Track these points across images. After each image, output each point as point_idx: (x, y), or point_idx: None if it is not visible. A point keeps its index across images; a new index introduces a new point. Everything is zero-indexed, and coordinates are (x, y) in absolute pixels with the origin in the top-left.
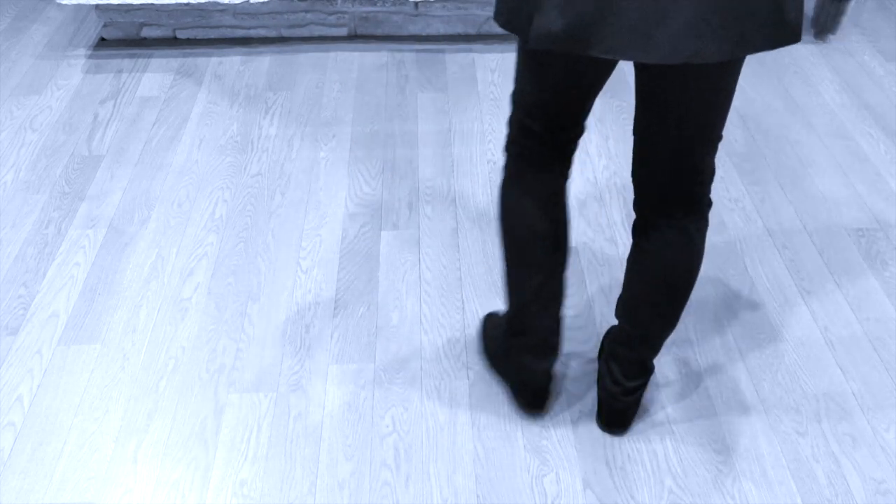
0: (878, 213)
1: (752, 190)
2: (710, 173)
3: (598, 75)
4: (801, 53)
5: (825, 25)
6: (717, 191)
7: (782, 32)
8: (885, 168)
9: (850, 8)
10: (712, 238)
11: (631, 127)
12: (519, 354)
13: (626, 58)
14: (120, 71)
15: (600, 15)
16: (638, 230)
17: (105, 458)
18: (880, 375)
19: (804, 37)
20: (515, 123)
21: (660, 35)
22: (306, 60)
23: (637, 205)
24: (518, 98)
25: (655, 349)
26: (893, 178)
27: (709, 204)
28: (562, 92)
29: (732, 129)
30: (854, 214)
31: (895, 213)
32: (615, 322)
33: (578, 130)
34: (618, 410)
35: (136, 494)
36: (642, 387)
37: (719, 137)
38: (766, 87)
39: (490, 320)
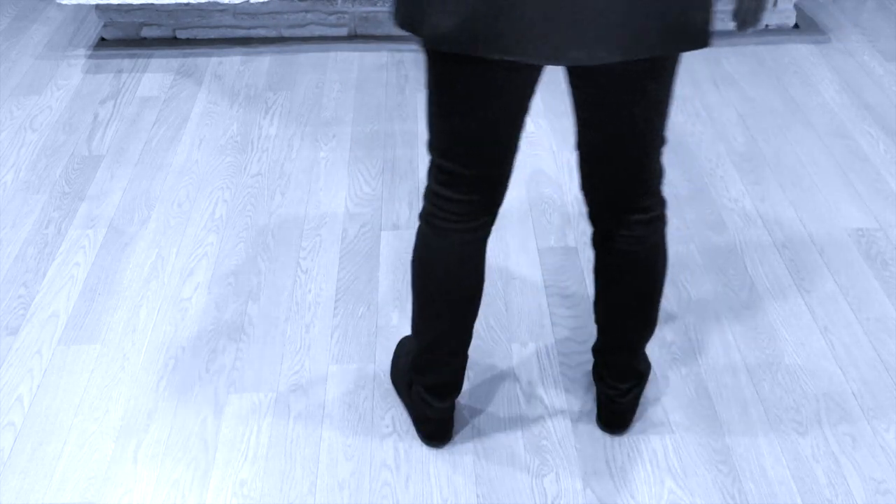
0: (878, 213)
1: (752, 190)
2: (656, 177)
3: (515, 91)
4: (801, 53)
5: (746, 18)
6: (717, 190)
7: (686, 36)
8: (885, 168)
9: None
10: (712, 238)
11: None
12: (420, 391)
13: (520, 58)
14: (120, 71)
15: (494, 15)
16: (597, 242)
17: (105, 458)
18: (880, 375)
19: (804, 37)
20: (433, 171)
21: (555, 36)
22: (306, 60)
23: (591, 217)
24: (434, 141)
25: (638, 353)
26: (893, 178)
27: (662, 203)
28: (480, 118)
29: (732, 129)
30: (854, 214)
31: (895, 213)
32: None
33: (505, 172)
34: (616, 412)
35: (136, 494)
36: (637, 387)
37: (662, 141)
38: (766, 87)
39: (403, 346)
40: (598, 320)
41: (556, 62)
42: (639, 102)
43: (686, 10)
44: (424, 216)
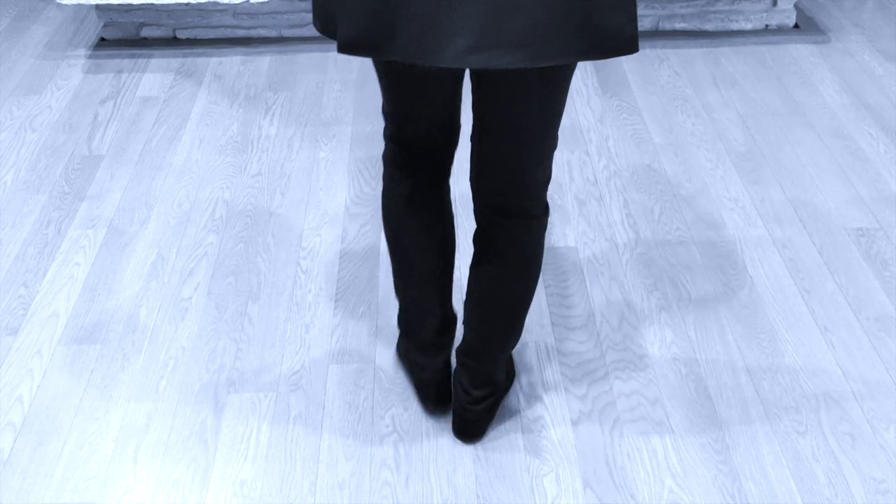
0: (878, 213)
1: (752, 190)
2: (539, 185)
3: (437, 82)
4: (801, 53)
5: None
6: (717, 190)
7: (600, 43)
8: (885, 168)
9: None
10: (712, 238)
11: (630, 128)
12: (410, 353)
13: (416, 61)
14: (120, 71)
15: (391, 23)
16: (476, 238)
17: (105, 458)
18: (880, 375)
19: (804, 37)
20: (387, 135)
21: (448, 41)
22: (306, 60)
23: (475, 213)
24: (385, 110)
25: (497, 362)
26: (893, 178)
27: (543, 209)
28: (414, 100)
29: (732, 129)
30: (854, 214)
31: (895, 213)
32: (615, 322)
33: (447, 140)
34: (467, 420)
35: (136, 494)
36: (490, 397)
37: (551, 148)
38: (766, 87)
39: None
40: (465, 320)
41: (451, 63)
42: (532, 110)
43: (595, 14)
44: (384, 176)
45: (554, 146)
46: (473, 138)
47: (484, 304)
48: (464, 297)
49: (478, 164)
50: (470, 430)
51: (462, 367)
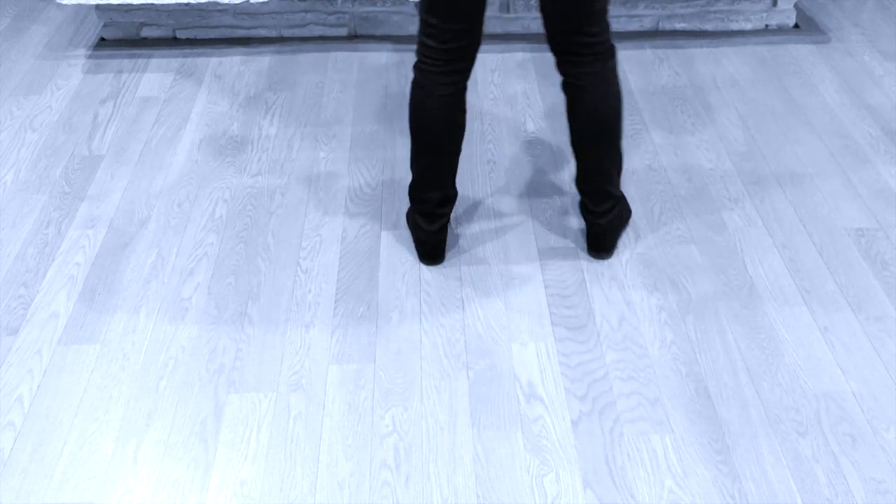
0: (878, 213)
1: (752, 190)
2: (602, 27)
3: None
4: (801, 53)
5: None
6: (717, 190)
7: None
8: (885, 168)
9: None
10: (712, 238)
11: (630, 127)
12: (415, 218)
13: None
14: (120, 71)
15: None
16: (564, 86)
17: (105, 458)
18: (880, 375)
19: (804, 37)
20: (421, 24)
21: None
22: (306, 60)
23: (557, 65)
24: (424, 8)
25: (609, 176)
26: (893, 178)
27: (611, 49)
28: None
29: (732, 129)
30: (854, 214)
31: (895, 213)
32: (615, 322)
33: (474, 27)
34: (598, 234)
35: (136, 494)
36: (612, 210)
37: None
38: (766, 87)
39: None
40: (575, 153)
41: None
42: None
43: None
44: (415, 65)
45: None
46: (543, 11)
47: (587, 134)
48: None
49: (550, 20)
50: (600, 243)
51: (583, 194)
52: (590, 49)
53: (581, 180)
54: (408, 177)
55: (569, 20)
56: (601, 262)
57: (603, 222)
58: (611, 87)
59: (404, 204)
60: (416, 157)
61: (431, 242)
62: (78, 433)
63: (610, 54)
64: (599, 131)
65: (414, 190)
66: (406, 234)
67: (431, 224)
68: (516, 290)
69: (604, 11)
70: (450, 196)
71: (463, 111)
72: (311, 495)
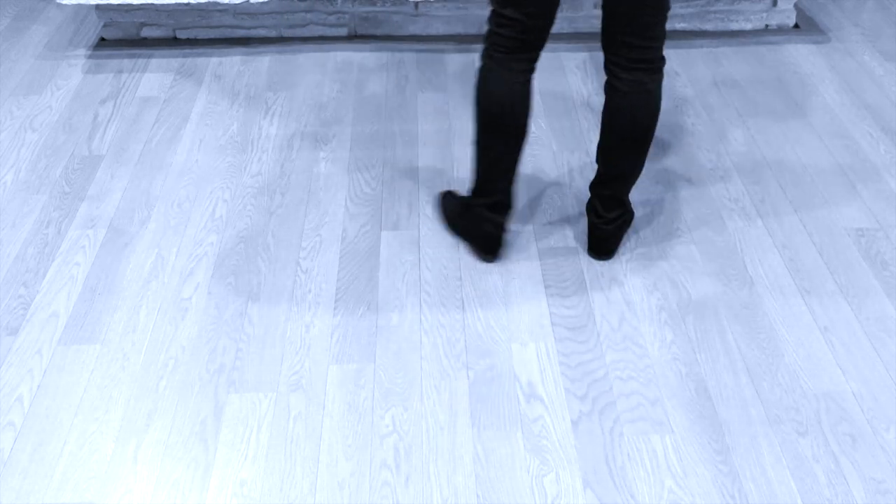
0: (878, 213)
1: (752, 190)
2: (661, 39)
3: None
4: (801, 53)
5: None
6: (717, 190)
7: None
8: (885, 168)
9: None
10: (712, 238)
11: None
12: (480, 210)
13: None
14: (120, 71)
15: None
16: (608, 87)
17: (105, 458)
18: (880, 375)
19: (804, 37)
20: (492, 15)
21: None
22: (306, 60)
23: (606, 66)
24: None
25: (627, 186)
26: (893, 178)
27: (662, 61)
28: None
29: (732, 129)
30: (854, 214)
31: (895, 213)
32: (615, 322)
33: (546, 21)
34: (601, 238)
35: (136, 494)
36: (620, 218)
37: (669, 8)
38: (766, 87)
39: (447, 196)
40: (599, 157)
41: None
42: None
43: None
44: (484, 53)
45: (670, 5)
46: (605, 7)
47: (619, 140)
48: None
49: (612, 28)
50: (603, 246)
51: (596, 197)
52: (644, 55)
53: (598, 184)
54: (409, 176)
55: (632, 23)
56: (601, 262)
57: (610, 227)
58: (652, 98)
59: (404, 204)
60: (487, 148)
61: (497, 235)
62: (78, 433)
63: (660, 65)
64: (632, 140)
65: (483, 184)
66: (407, 234)
67: (498, 216)
68: (516, 290)
69: (665, 21)
70: (511, 193)
71: (530, 97)
72: (311, 495)
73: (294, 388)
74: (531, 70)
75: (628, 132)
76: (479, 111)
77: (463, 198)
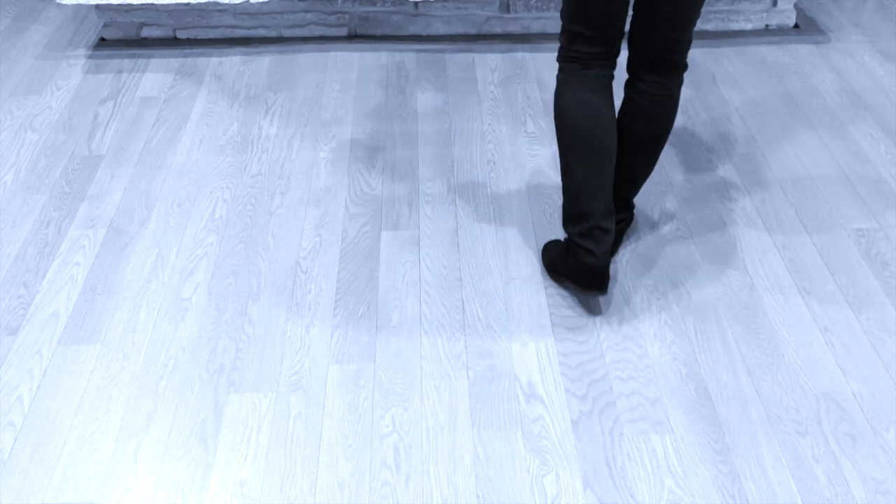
0: (878, 213)
1: (752, 190)
2: (688, 43)
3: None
4: (801, 53)
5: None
6: (717, 190)
7: None
8: (885, 168)
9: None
10: (712, 238)
11: None
12: (578, 242)
13: None
14: (120, 71)
15: None
16: (629, 86)
17: (105, 458)
18: (880, 375)
19: (804, 37)
20: (564, 32)
21: None
22: (306, 60)
23: (630, 66)
24: (565, 10)
25: (637, 189)
26: (893, 178)
27: (685, 66)
28: (593, 2)
29: (732, 129)
30: (854, 215)
31: (895, 213)
32: (615, 322)
33: (615, 33)
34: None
35: (136, 494)
36: (626, 219)
37: (698, 16)
38: (766, 87)
39: (548, 245)
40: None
41: None
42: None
43: None
44: (559, 71)
45: (700, 12)
46: (636, 7)
47: (635, 140)
48: None
49: (640, 29)
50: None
51: None
52: (670, 57)
53: None
54: (408, 177)
55: (665, 23)
56: None
57: (616, 229)
58: (671, 101)
59: (404, 204)
60: (574, 167)
61: (600, 266)
62: (78, 433)
63: (682, 70)
64: (648, 141)
65: (573, 208)
66: (407, 234)
67: (599, 244)
68: (516, 290)
69: (694, 26)
70: (611, 208)
71: (611, 109)
72: (311, 495)
73: (294, 388)
74: (609, 81)
75: (646, 134)
76: (561, 135)
77: (563, 241)
